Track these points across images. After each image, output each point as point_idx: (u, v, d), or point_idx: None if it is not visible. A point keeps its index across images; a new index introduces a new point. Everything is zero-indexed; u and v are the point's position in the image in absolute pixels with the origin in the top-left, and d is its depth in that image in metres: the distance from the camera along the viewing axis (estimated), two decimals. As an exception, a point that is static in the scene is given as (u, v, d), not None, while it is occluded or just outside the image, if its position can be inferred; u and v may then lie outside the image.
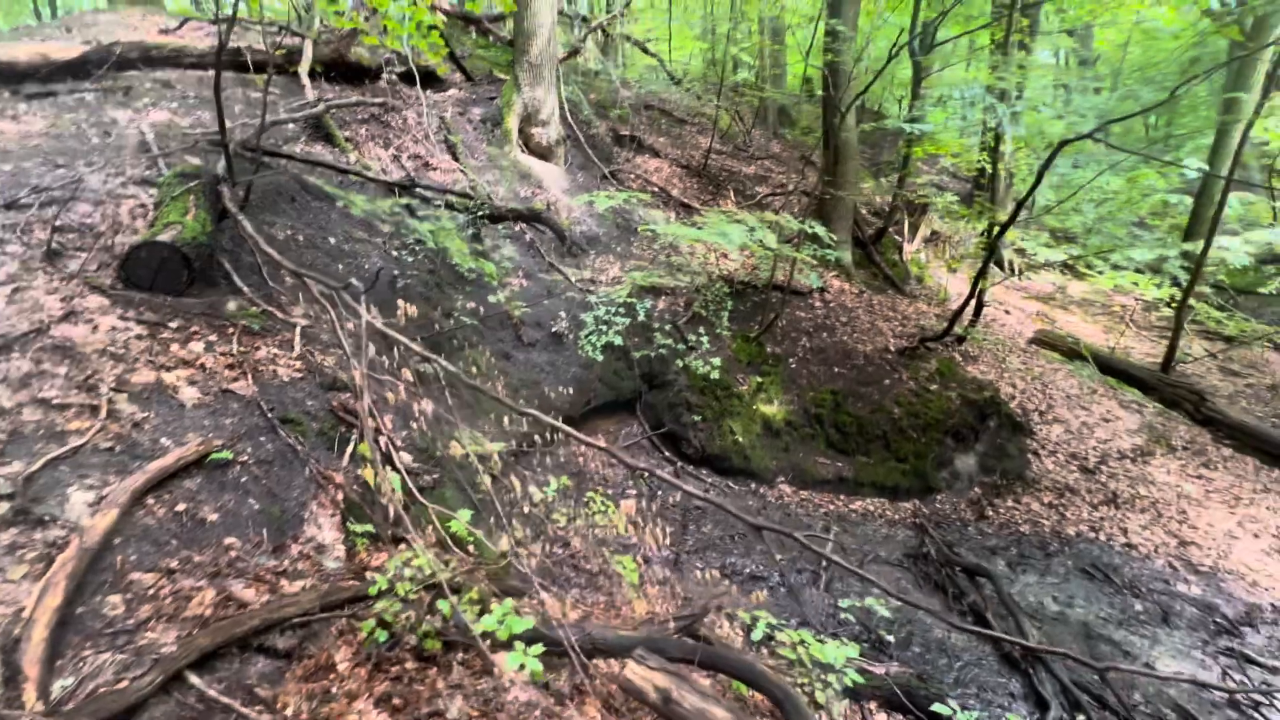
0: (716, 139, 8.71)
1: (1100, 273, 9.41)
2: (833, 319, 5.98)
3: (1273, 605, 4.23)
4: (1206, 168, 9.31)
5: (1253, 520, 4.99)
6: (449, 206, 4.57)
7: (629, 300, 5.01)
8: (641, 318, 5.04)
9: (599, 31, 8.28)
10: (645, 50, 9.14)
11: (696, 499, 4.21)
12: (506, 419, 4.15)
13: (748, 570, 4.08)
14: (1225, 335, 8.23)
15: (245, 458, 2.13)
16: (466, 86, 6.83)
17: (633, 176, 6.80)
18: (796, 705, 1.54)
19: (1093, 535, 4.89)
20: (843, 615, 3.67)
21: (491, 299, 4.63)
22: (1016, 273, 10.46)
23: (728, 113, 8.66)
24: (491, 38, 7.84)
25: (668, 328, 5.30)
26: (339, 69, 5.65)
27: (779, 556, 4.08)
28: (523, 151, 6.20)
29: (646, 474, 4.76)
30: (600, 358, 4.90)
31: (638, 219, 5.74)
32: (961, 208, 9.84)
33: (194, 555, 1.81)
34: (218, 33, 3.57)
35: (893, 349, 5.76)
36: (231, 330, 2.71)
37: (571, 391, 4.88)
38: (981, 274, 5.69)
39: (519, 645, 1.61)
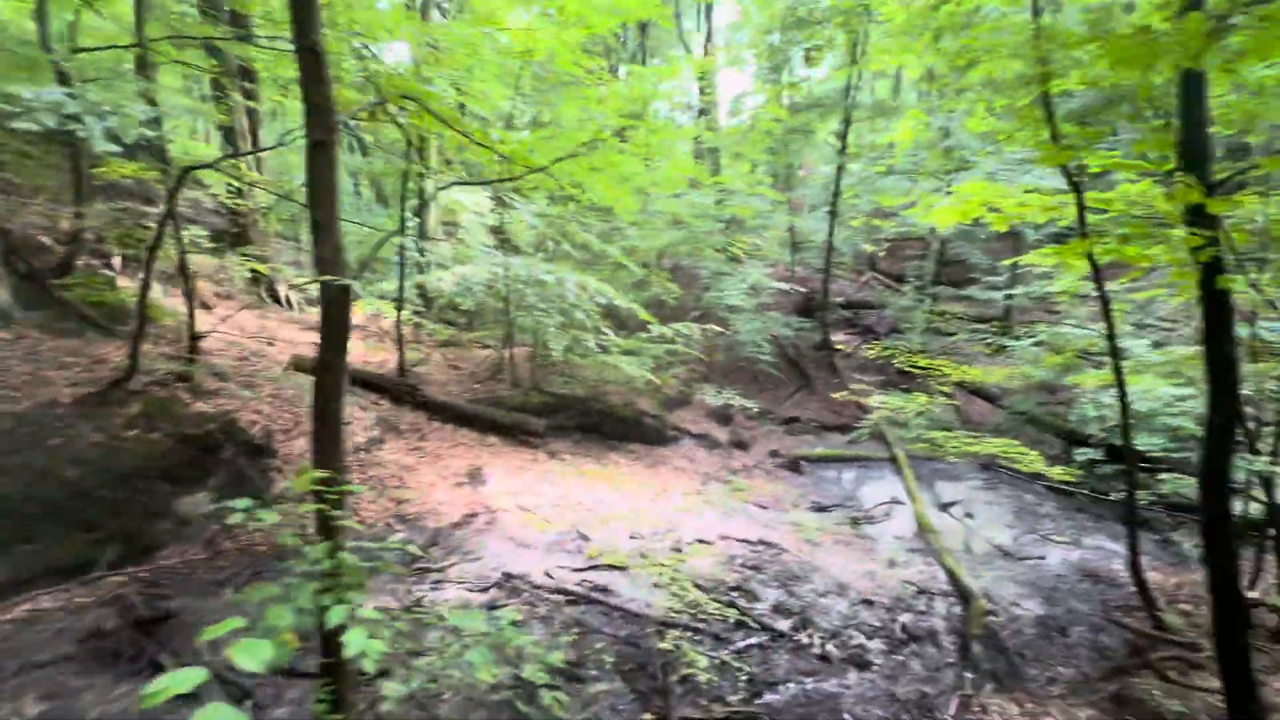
0: None
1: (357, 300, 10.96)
2: (-50, 375, 4.32)
3: (450, 524, 5.84)
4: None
5: (446, 469, 6.82)
6: None
7: None
8: None
9: None
10: None
11: None
12: None
13: None
14: (443, 341, 11.18)
15: None
16: None
17: None
18: None
19: (332, 525, 5.46)
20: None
21: None
22: (294, 307, 10.93)
23: None
24: None
25: None
26: None
27: None
28: None
29: None
30: None
31: None
32: (210, 242, 9.38)
33: None
34: None
35: (67, 400, 4.67)
36: None
37: None
38: (141, 301, 5.35)
39: None
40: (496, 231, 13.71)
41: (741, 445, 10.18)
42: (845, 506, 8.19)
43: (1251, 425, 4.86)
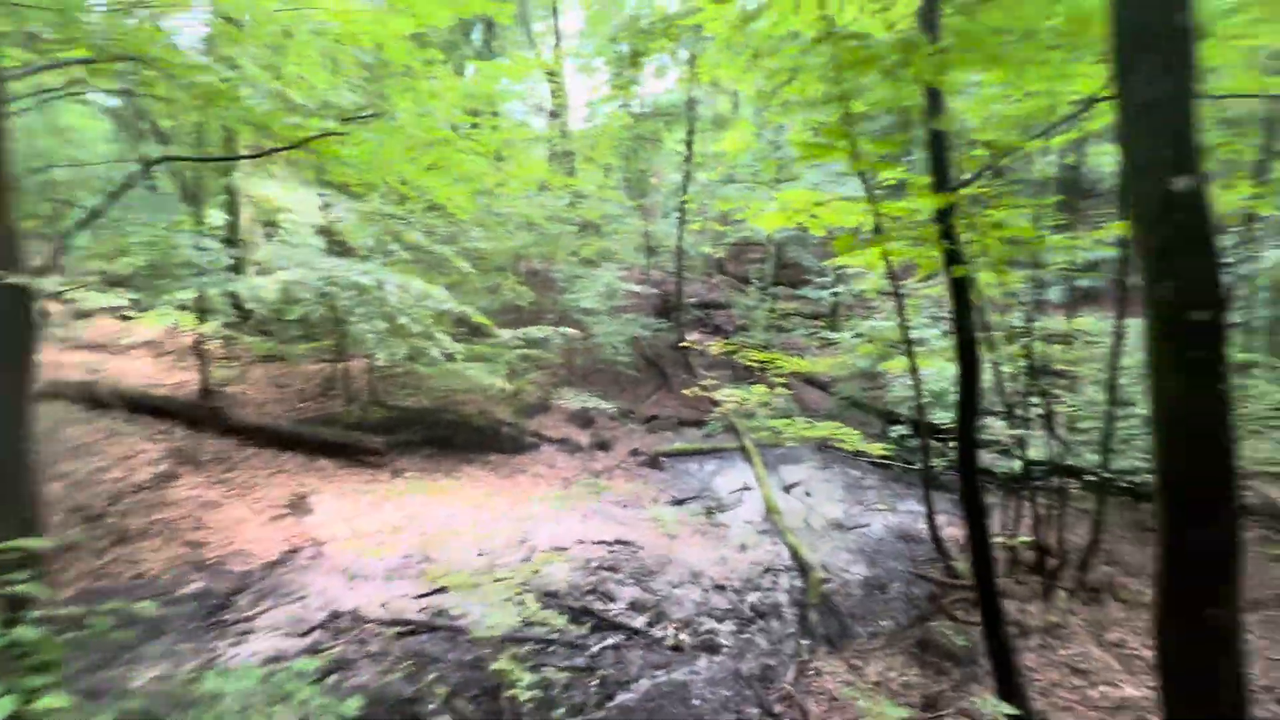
0: None
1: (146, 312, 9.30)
2: None
3: (264, 563, 5.10)
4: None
5: (262, 500, 5.96)
6: None
7: None
8: None
9: None
10: None
11: None
12: None
13: None
14: (263, 355, 9.86)
15: None
16: None
17: None
18: None
19: (100, 584, 4.49)
20: None
21: None
22: (52, 321, 8.95)
23: None
24: None
25: None
26: None
27: None
28: None
29: None
30: None
31: None
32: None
33: None
34: None
35: None
36: None
37: None
38: None
39: None
40: (326, 233, 12.42)
41: (603, 446, 10.20)
42: (702, 497, 8.52)
43: (1011, 396, 5.83)
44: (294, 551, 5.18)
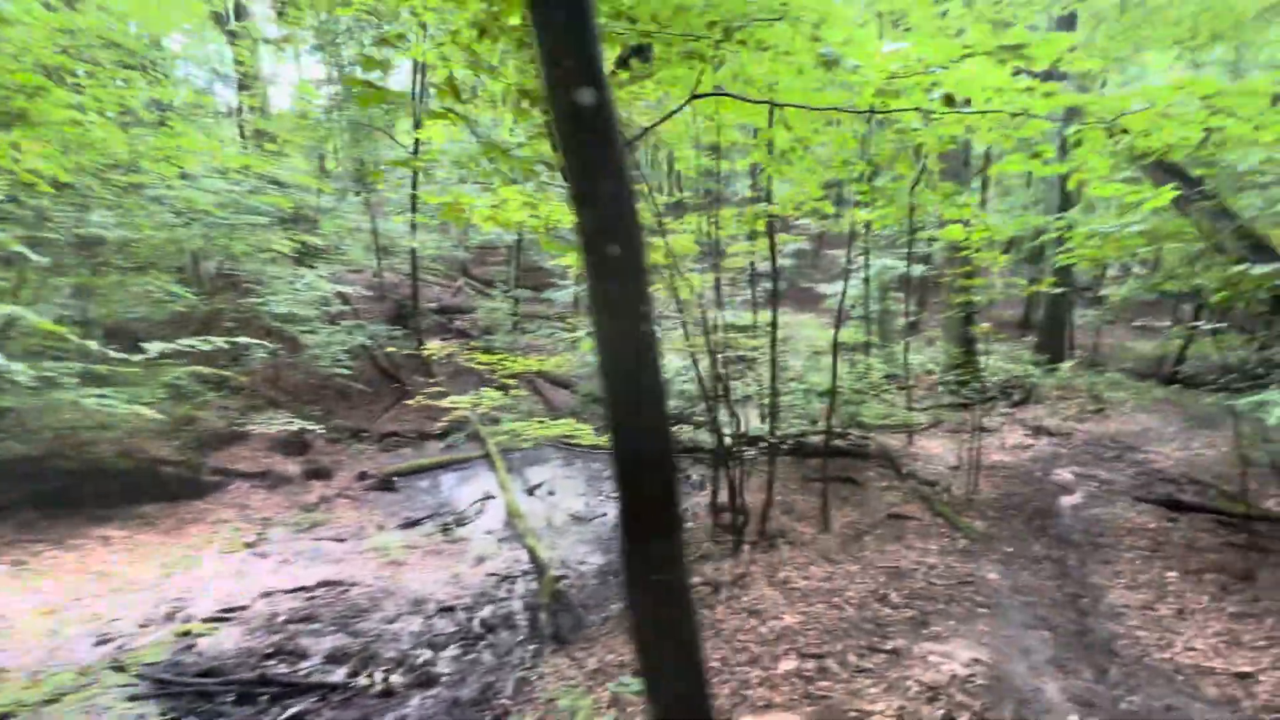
0: None
1: None
2: None
3: None
4: None
5: None
6: None
7: None
8: None
9: None
10: None
11: None
12: None
13: None
14: None
15: None
16: None
17: None
18: None
19: None
20: None
21: None
22: None
23: None
24: None
25: None
26: None
27: None
28: None
29: None
30: None
31: None
32: None
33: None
34: None
35: None
36: None
37: None
38: None
39: None
40: None
41: (320, 474, 8.79)
42: (439, 514, 7.89)
43: (708, 381, 6.59)
44: None
